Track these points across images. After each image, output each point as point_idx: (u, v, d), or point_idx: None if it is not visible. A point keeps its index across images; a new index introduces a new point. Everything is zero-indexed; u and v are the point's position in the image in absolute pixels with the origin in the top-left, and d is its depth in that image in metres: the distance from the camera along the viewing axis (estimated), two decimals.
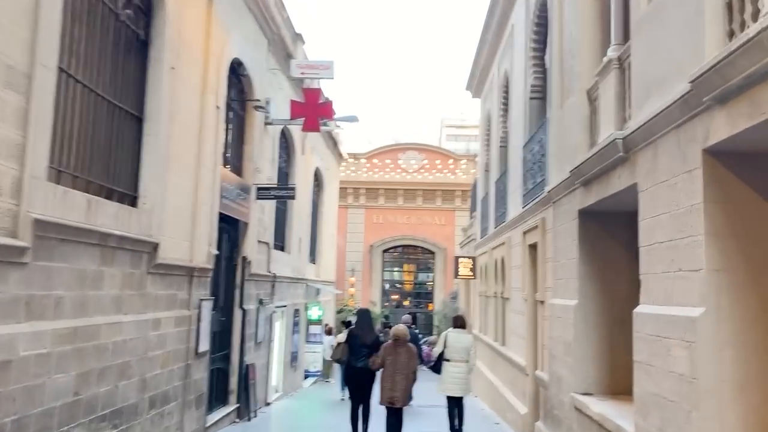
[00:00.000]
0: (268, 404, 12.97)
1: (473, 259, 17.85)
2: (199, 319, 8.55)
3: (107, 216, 6.15)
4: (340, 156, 23.17)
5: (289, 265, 14.97)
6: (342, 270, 30.75)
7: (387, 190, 31.29)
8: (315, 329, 20.10)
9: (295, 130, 15.00)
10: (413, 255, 32.39)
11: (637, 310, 5.16)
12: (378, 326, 29.01)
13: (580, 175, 6.81)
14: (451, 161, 31.11)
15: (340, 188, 30.30)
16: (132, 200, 7.00)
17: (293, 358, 15.75)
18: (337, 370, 23.64)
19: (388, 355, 8.32)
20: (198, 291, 8.60)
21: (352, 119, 15.95)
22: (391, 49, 76.95)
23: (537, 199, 9.51)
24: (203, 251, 8.75)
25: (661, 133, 4.75)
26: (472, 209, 21.88)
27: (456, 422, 9.33)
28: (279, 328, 14.51)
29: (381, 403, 8.37)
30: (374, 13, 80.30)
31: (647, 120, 4.89)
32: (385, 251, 31.83)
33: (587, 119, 7.10)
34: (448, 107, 76.71)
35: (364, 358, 8.61)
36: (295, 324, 15.90)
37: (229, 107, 10.29)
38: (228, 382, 10.61)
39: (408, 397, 8.37)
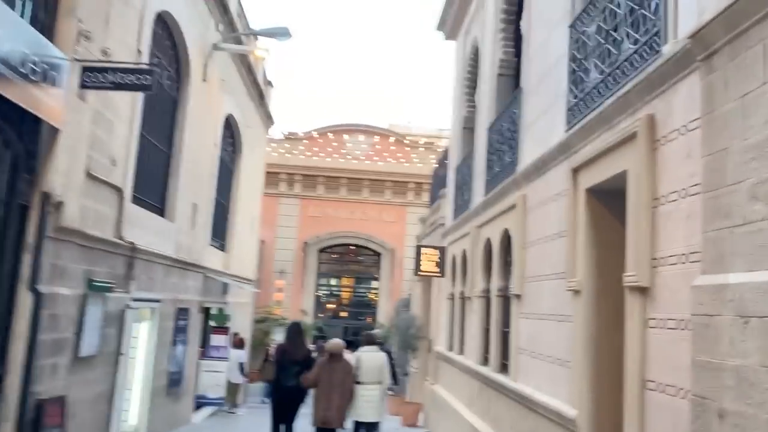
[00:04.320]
0: None
1: (441, 249, 13.05)
2: None
3: None
4: (269, 118, 18.02)
5: (170, 240, 9.77)
6: (269, 271, 25.52)
7: (328, 177, 26.28)
8: (219, 339, 14.79)
9: (190, 35, 9.90)
10: (355, 256, 27.40)
11: None
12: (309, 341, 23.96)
13: None
14: (407, 146, 26.30)
15: (271, 173, 25.17)
16: None
17: (174, 381, 10.46)
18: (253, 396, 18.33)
19: (323, 371, 7.76)
20: None
21: (282, 34, 11.01)
22: (333, 55, 71.88)
23: (627, 86, 4.75)
24: None
25: None
26: (434, 195, 17.17)
27: None
28: (145, 335, 9.26)
29: (313, 424, 7.73)
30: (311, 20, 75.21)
31: None
32: (321, 251, 26.74)
33: None
34: (394, 117, 71.91)
35: (295, 377, 7.88)
36: (180, 330, 10.63)
37: None
38: None
39: (343, 417, 7.85)
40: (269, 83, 18.14)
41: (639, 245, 4.34)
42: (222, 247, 14.45)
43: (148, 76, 5.95)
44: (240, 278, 15.74)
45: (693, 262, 3.72)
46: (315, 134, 26.03)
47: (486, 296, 9.24)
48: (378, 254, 26.69)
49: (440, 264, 12.95)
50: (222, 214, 14.30)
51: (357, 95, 66.49)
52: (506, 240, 8.24)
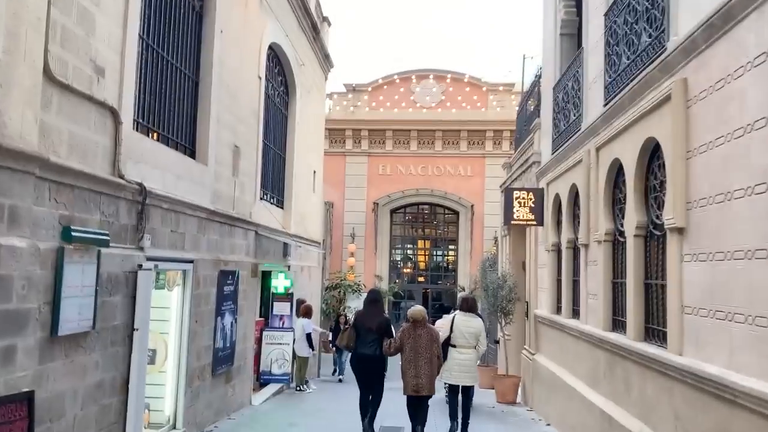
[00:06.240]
0: None
1: (538, 192, 10.65)
2: None
3: None
4: (326, 58, 15.89)
5: (204, 188, 7.88)
6: (339, 235, 23.74)
7: (396, 131, 24.04)
8: (282, 308, 13.04)
9: None
10: (430, 215, 25.18)
11: None
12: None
13: None
14: (484, 88, 23.64)
15: (335, 130, 23.29)
16: None
17: (221, 359, 8.69)
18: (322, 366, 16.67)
19: (407, 338, 7.55)
20: None
21: None
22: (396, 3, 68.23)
23: None
24: None
25: None
26: (519, 138, 14.72)
27: (458, 411, 8.13)
28: (177, 304, 7.44)
29: (405, 392, 7.56)
30: None
31: None
32: (393, 211, 24.67)
33: None
34: (467, 67, 68.11)
35: (373, 344, 7.78)
36: (226, 297, 8.81)
37: None
38: None
39: (434, 384, 7.59)
40: (326, 19, 15.99)
41: None
42: (279, 204, 12.59)
43: None
44: (302, 239, 13.88)
45: None
46: (380, 81, 23.75)
47: (613, 240, 6.87)
48: (455, 212, 24.38)
49: (536, 210, 10.59)
50: (277, 166, 12.40)
51: (423, 47, 63.23)
52: (648, 154, 5.83)
